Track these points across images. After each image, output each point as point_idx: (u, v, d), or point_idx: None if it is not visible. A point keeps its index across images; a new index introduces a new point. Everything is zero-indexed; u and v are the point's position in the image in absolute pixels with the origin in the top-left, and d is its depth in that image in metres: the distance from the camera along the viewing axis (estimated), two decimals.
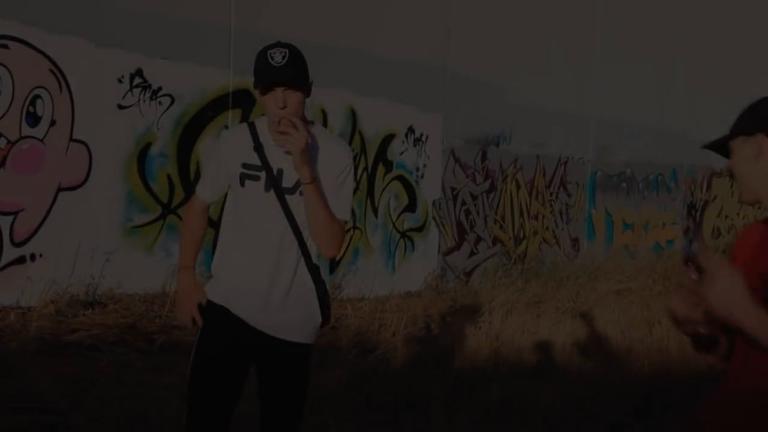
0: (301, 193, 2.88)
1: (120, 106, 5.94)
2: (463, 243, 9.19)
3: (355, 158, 7.76)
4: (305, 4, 7.19)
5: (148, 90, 6.08)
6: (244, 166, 2.91)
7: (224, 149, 2.95)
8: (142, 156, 6.10)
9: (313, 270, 2.99)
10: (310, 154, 2.85)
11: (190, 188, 6.34)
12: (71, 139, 5.70)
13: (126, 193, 6.02)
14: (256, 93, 2.80)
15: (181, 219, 6.37)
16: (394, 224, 8.28)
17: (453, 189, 8.98)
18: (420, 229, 8.62)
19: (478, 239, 9.39)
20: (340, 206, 2.97)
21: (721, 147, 1.93)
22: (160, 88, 6.15)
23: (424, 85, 8.44)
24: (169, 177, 6.26)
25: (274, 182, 2.89)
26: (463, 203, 9.15)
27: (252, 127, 2.96)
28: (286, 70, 2.75)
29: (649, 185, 12.83)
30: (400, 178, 8.33)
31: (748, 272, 1.69)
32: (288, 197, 2.91)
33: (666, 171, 13.09)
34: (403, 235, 8.41)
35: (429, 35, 8.52)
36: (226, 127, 6.56)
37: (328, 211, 2.87)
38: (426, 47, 8.47)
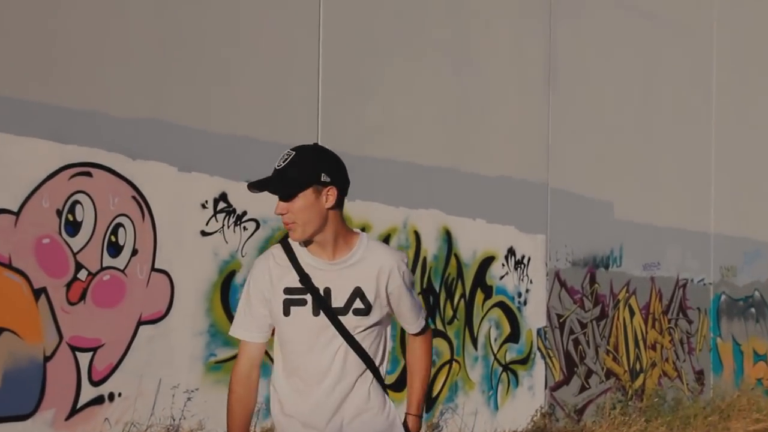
0: (355, 313, 2.98)
1: (203, 233, 6.23)
2: (573, 376, 9.14)
3: (451, 283, 7.89)
4: (395, 123, 7.51)
5: (232, 215, 6.38)
6: (287, 291, 2.99)
7: (260, 277, 3.03)
8: (226, 285, 6.35)
9: (385, 391, 3.08)
10: (354, 266, 3.01)
11: None
12: (153, 269, 5.99)
13: (209, 326, 6.24)
14: None
15: (265, 352, 6.54)
16: (495, 356, 8.32)
17: (559, 316, 9.01)
18: (524, 361, 8.63)
19: (590, 372, 9.33)
20: (411, 318, 3.14)
21: None
22: (244, 213, 6.44)
23: (525, 203, 8.62)
24: None
25: (323, 304, 2.97)
26: (572, 332, 9.16)
27: (286, 246, 3.06)
28: (274, 177, 3.00)
29: None
30: (501, 305, 8.42)
31: None
32: (342, 318, 2.99)
33: None
34: (506, 368, 8.43)
35: (529, 150, 8.75)
36: None
37: (425, 383, 3.13)
38: (525, 162, 8.70)
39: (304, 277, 3.01)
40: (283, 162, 3.06)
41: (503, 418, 8.27)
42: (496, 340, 8.35)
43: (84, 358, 5.66)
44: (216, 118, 6.33)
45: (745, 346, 11.86)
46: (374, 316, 3.08)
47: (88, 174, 5.73)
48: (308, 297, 3.00)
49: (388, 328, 3.22)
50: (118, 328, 5.83)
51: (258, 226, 6.51)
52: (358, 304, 3.04)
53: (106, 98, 5.78)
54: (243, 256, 6.42)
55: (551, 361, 8.89)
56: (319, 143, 6.92)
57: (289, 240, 3.10)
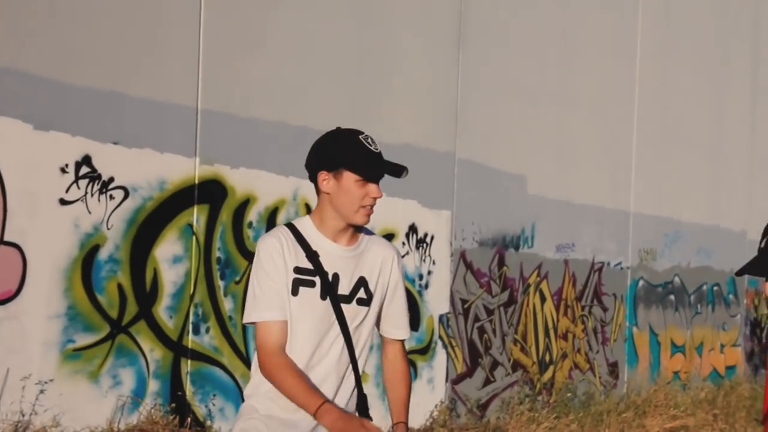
0: (358, 302, 3.31)
1: (62, 201, 6.09)
2: (477, 368, 9.26)
3: None
4: (286, 81, 7.45)
5: (97, 181, 6.25)
6: (297, 270, 3.27)
7: (275, 253, 3.27)
8: (88, 262, 6.23)
9: (362, 398, 3.40)
10: (361, 255, 3.33)
11: (145, 301, 6.45)
12: (1, 242, 5.83)
13: (66, 308, 6.12)
14: (327, 176, 3.30)
15: (132, 338, 6.48)
16: None
17: (464, 301, 9.11)
18: (424, 350, 8.71)
19: (495, 364, 9.47)
20: (401, 319, 3.47)
21: (758, 269, 2.17)
22: (111, 179, 6.32)
23: (429, 175, 8.66)
24: (120, 287, 6.37)
25: (329, 289, 3.26)
26: (477, 319, 9.26)
27: (293, 229, 3.35)
28: (391, 162, 3.33)
29: (703, 298, 12.97)
30: None
31: None
32: (344, 306, 3.29)
33: (723, 280, 13.24)
34: None
35: (435, 116, 8.79)
36: (190, 226, 6.72)
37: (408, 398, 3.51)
38: (430, 129, 8.73)
39: (314, 259, 3.28)
40: (377, 146, 3.38)
41: None
42: None
43: None
44: (78, 69, 6.18)
45: (663, 337, 12.18)
46: (373, 309, 3.36)
47: None
48: (317, 279, 3.26)
49: (373, 335, 3.47)
50: None
51: (126, 195, 6.40)
52: (362, 293, 3.33)
53: None
54: (109, 229, 6.31)
55: (453, 351, 8.99)
56: (199, 102, 6.83)
57: (299, 223, 3.37)
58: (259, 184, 7.19)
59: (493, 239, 9.46)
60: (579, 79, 10.58)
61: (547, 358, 10.16)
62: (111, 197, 6.33)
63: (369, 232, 3.47)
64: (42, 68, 6.00)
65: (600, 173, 10.94)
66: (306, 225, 3.37)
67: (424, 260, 8.68)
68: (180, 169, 6.71)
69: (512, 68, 9.65)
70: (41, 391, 5.95)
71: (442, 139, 8.85)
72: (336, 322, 3.29)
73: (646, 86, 11.59)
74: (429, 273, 8.73)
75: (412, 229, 8.57)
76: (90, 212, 6.22)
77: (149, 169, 6.52)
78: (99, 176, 6.26)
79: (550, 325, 10.24)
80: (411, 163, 8.25)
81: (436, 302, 8.81)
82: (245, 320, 3.32)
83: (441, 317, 8.87)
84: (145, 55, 6.54)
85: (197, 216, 6.81)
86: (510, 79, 9.64)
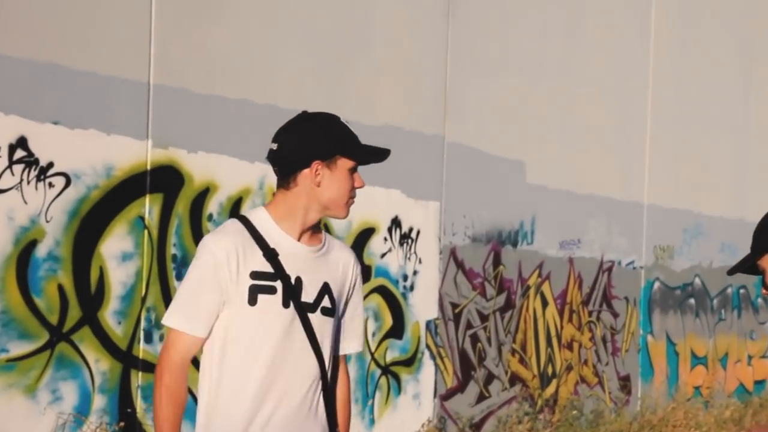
0: (323, 312, 3.32)
1: None
2: (470, 382, 9.27)
3: None
4: (252, 54, 7.45)
5: (34, 167, 6.24)
6: (254, 275, 3.25)
7: (221, 258, 3.25)
8: (24, 259, 6.22)
9: (331, 412, 3.43)
10: (323, 258, 3.37)
11: (89, 305, 6.45)
12: None
13: None
14: (320, 166, 3.33)
15: (75, 347, 6.48)
16: (372, 355, 8.39)
17: (455, 306, 9.12)
18: (409, 362, 8.72)
19: (490, 377, 9.49)
20: (357, 329, 3.53)
21: (749, 267, 2.31)
22: (50, 164, 6.31)
23: (415, 162, 8.68)
24: (61, 288, 6.36)
25: (293, 295, 3.26)
26: (469, 326, 9.28)
27: (247, 223, 3.33)
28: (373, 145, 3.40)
29: (728, 302, 12.99)
30: (381, 290, 8.48)
31: None
32: (310, 316, 3.31)
33: (750, 281, 13.25)
34: (386, 370, 8.51)
35: (421, 94, 8.80)
36: (142, 218, 6.72)
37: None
38: (416, 109, 8.74)
39: (274, 260, 3.26)
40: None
41: None
42: (374, 335, 8.42)
43: None
44: (12, 38, 6.17)
45: (682, 346, 12.20)
46: (336, 320, 3.39)
47: None
48: (278, 284, 3.25)
49: None
50: None
51: (68, 182, 6.39)
52: (326, 302, 3.35)
53: None
54: (48, 222, 6.30)
55: (443, 363, 9.00)
56: (151, 76, 6.82)
57: (254, 216, 3.36)
58: (220, 170, 7.19)
59: (488, 234, 9.48)
60: (586, 51, 10.60)
61: (550, 370, 10.18)
62: (50, 185, 6.32)
63: (325, 231, 3.50)
64: None
65: (609, 159, 10.96)
66: (262, 219, 3.36)
67: (409, 258, 8.69)
68: (130, 153, 6.70)
69: (509, 39, 9.67)
70: None
71: (429, 121, 8.86)
72: (304, 334, 3.30)
73: (662, 60, 11.61)
74: (415, 273, 8.75)
75: (396, 222, 8.58)
76: (26, 202, 6.20)
77: (94, 153, 6.51)
78: (36, 161, 6.25)
79: (553, 332, 10.26)
80: (394, 147, 8.27)
81: (423, 306, 8.82)
82: (163, 321, 3.38)
83: (428, 324, 8.88)
84: (90, 23, 6.53)
85: (149, 207, 6.81)
86: (506, 52, 9.65)
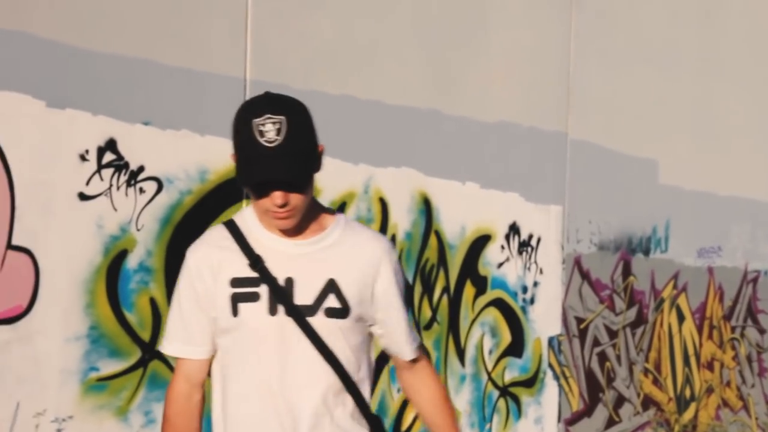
0: (328, 314, 3.14)
1: (82, 196, 6.18)
2: (597, 405, 9.22)
3: (429, 271, 7.92)
4: (355, 46, 7.49)
5: (124, 171, 6.33)
6: (235, 282, 3.15)
7: (194, 272, 3.21)
8: (114, 270, 6.32)
9: (373, 421, 3.28)
10: (328, 251, 3.18)
11: None
12: (8, 246, 5.93)
13: (88, 328, 6.20)
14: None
15: (169, 366, 6.54)
16: (490, 375, 8.38)
17: (580, 321, 9.07)
18: (530, 382, 8.69)
19: (620, 400, 9.42)
20: (402, 335, 3.32)
21: None
22: (141, 168, 6.40)
23: (535, 162, 8.65)
24: (153, 302, 6.45)
25: (283, 298, 3.11)
26: (596, 343, 9.22)
27: (232, 227, 3.25)
28: (282, 160, 3.14)
29: None
30: (499, 303, 8.47)
31: None
32: (310, 320, 3.14)
33: None
34: (505, 391, 8.49)
35: (542, 88, 8.77)
36: None
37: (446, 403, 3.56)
38: (536, 104, 8.71)
39: (256, 262, 3.16)
40: (277, 133, 3.25)
41: None
42: (491, 352, 8.40)
43: None
44: (99, 34, 6.26)
45: None
46: (352, 323, 3.22)
47: None
48: (262, 290, 3.14)
49: (372, 343, 3.36)
50: None
51: (160, 188, 6.47)
52: (331, 301, 3.18)
53: None
54: (139, 230, 6.38)
55: (567, 384, 8.96)
56: (248, 71, 6.89)
57: (239, 218, 3.29)
58: (322, 173, 7.17)
59: (616, 241, 9.41)
60: (727, 40, 10.48)
61: (688, 393, 10.08)
62: (141, 190, 6.40)
63: (350, 221, 3.36)
64: (54, 31, 6.08)
65: (753, 157, 10.82)
66: (246, 219, 3.28)
67: (529, 268, 8.66)
68: (225, 155, 6.71)
69: (640, 27, 9.59)
70: (58, 430, 6.04)
71: (550, 116, 8.83)
72: (307, 341, 3.16)
73: None
74: (535, 285, 8.71)
75: (513, 229, 8.56)
76: (116, 209, 6.29)
77: (187, 156, 6.59)
78: (126, 165, 6.33)
79: (691, 350, 10.16)
80: (511, 146, 8.27)
81: (545, 321, 8.79)
82: (160, 348, 3.37)
83: (551, 340, 8.85)
84: (182, 15, 6.61)
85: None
86: (636, 41, 9.58)
